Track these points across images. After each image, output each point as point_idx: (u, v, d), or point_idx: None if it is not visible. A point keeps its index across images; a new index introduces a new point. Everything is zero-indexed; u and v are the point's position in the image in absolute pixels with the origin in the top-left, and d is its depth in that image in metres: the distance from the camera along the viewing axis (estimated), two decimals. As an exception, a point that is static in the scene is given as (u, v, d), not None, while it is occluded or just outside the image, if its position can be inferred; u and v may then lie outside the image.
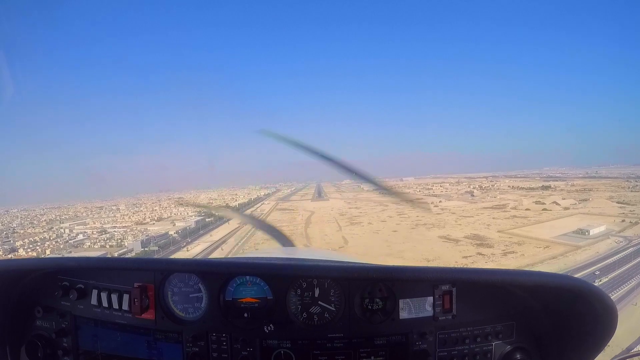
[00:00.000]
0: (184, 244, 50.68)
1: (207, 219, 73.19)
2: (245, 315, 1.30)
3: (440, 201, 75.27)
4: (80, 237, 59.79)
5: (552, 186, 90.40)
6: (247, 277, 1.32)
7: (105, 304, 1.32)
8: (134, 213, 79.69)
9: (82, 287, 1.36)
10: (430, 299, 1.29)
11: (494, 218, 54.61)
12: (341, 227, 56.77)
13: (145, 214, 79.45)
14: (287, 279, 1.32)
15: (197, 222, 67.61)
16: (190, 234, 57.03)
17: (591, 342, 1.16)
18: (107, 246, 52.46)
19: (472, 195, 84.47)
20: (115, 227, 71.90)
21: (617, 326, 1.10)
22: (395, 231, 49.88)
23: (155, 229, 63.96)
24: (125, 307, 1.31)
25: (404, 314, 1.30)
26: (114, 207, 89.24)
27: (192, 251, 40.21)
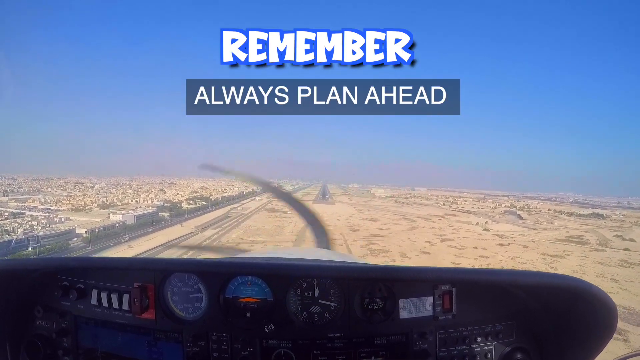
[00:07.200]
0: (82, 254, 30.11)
1: (160, 213, 54.55)
2: (246, 315, 1.32)
3: (486, 222, 55.22)
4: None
5: (604, 215, 75.50)
6: (247, 277, 1.33)
7: (105, 303, 1.34)
8: (101, 195, 68.62)
9: (82, 287, 1.37)
10: (430, 298, 1.30)
11: (601, 263, 34.79)
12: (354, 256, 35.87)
13: (107, 197, 67.11)
14: (287, 279, 1.33)
15: (138, 217, 46.79)
16: (108, 238, 37.27)
17: (591, 342, 1.15)
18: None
19: (521, 218, 64.86)
20: (48, 209, 57.57)
21: None
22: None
23: (81, 220, 47.70)
24: (125, 307, 1.32)
25: (404, 314, 1.30)
26: (89, 185, 77.45)
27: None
